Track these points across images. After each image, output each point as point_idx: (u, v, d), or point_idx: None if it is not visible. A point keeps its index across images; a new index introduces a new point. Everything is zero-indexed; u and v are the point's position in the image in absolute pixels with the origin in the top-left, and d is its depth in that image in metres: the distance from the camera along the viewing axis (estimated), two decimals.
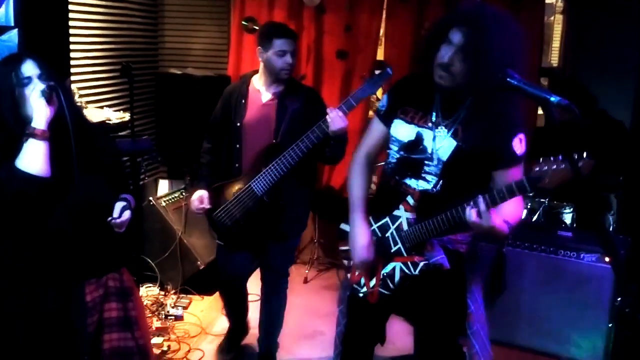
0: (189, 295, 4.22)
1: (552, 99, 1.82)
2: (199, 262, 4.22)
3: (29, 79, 2.04)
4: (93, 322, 2.22)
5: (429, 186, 2.17)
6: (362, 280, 2.33)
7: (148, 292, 4.17)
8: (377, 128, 2.35)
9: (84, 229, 2.15)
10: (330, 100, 4.79)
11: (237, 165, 3.08)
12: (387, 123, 2.29)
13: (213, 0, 5.11)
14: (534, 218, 3.81)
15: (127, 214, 2.20)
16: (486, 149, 2.08)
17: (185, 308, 4.08)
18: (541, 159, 1.85)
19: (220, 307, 3.92)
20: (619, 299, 2.77)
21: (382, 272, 2.26)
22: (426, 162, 2.16)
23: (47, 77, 2.07)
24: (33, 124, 2.01)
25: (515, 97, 2.00)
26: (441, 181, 2.16)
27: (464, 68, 2.00)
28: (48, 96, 2.02)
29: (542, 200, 3.84)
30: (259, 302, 3.42)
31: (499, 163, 2.12)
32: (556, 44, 5.44)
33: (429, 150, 2.15)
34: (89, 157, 2.17)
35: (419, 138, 2.18)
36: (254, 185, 2.97)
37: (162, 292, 4.21)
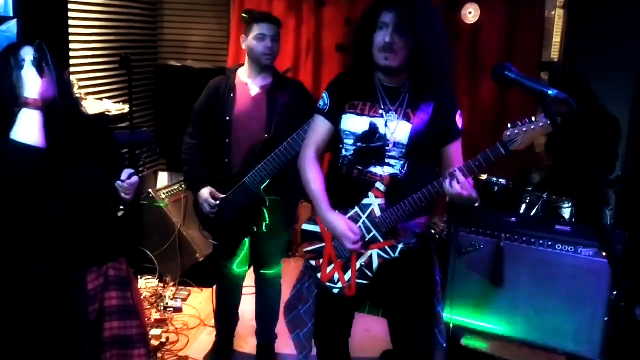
0: (187, 288, 4.23)
1: (550, 92, 1.82)
2: (197, 255, 4.23)
3: (25, 61, 2.07)
4: (94, 310, 2.23)
5: (395, 170, 2.26)
6: (336, 276, 2.34)
7: (147, 284, 4.18)
8: (322, 126, 2.38)
9: (84, 217, 2.16)
10: None
11: (226, 160, 3.05)
12: (334, 120, 2.34)
13: None
14: (533, 212, 3.82)
15: (135, 179, 2.22)
16: (436, 126, 2.25)
17: (184, 300, 4.09)
18: (509, 124, 2.02)
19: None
20: (614, 292, 2.78)
21: (358, 263, 2.29)
22: (387, 148, 2.25)
23: (44, 60, 2.09)
24: (25, 94, 2.03)
25: (452, 76, 2.31)
26: (406, 164, 2.26)
27: (404, 43, 2.15)
28: (37, 64, 2.04)
29: (541, 195, 3.85)
30: (254, 294, 3.43)
31: (448, 138, 2.29)
32: (557, 38, 5.42)
33: (386, 136, 2.25)
34: (88, 146, 2.19)
35: (373, 127, 2.26)
36: (248, 182, 2.95)
37: (161, 284, 4.22)
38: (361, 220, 2.27)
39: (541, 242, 2.99)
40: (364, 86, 2.31)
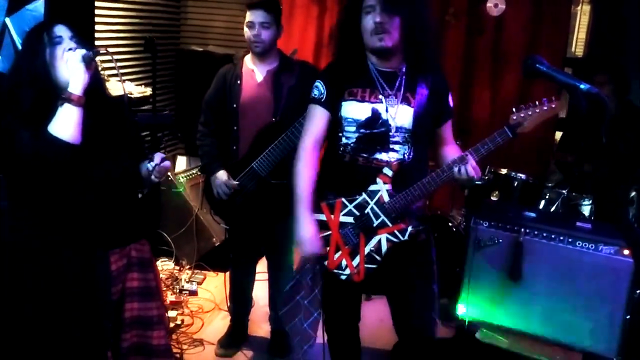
0: (203, 271, 4.26)
1: (582, 86, 1.82)
2: (214, 239, 4.25)
3: (60, 37, 2.06)
4: (117, 290, 2.25)
5: (400, 155, 2.29)
6: (344, 263, 2.35)
7: (163, 267, 4.21)
8: (319, 115, 2.37)
9: (108, 199, 2.16)
10: None
11: (234, 147, 3.06)
12: (332, 108, 2.34)
13: None
14: (552, 209, 3.79)
15: (167, 163, 2.23)
16: (434, 108, 2.31)
17: (199, 283, 4.12)
18: (514, 108, 2.10)
19: None
20: (638, 291, 2.75)
21: (366, 248, 2.31)
22: (390, 133, 2.27)
23: (78, 39, 2.09)
24: (70, 89, 2.00)
25: (440, 54, 2.40)
26: (411, 149, 2.30)
27: (395, 22, 2.17)
28: (89, 62, 2.04)
29: (561, 191, 3.81)
30: (267, 280, 3.46)
31: (443, 118, 2.37)
32: (581, 34, 5.36)
33: (388, 122, 2.26)
34: (112, 128, 2.19)
35: (375, 113, 2.27)
36: (256, 166, 2.96)
37: (177, 267, 4.25)
38: (369, 207, 2.29)
39: (561, 238, 2.96)
40: (359, 73, 2.32)
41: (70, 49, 2.05)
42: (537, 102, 2.08)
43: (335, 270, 2.37)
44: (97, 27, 3.88)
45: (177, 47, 5.13)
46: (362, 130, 2.29)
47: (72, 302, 2.10)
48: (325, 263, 2.39)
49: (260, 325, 3.65)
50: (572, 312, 2.92)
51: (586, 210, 3.78)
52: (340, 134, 2.34)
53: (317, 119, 2.38)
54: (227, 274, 3.58)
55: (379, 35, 2.18)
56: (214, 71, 4.48)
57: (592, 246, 2.91)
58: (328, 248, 2.37)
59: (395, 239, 2.28)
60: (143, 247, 2.35)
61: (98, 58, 2.15)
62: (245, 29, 2.97)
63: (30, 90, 2.00)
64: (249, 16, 2.94)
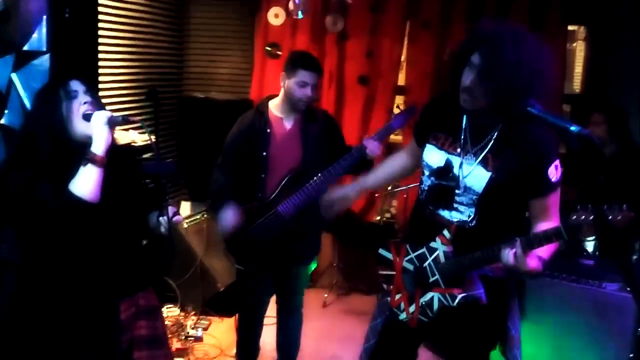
0: (208, 317, 4.25)
1: (572, 128, 1.83)
2: (219, 284, 4.25)
3: (76, 92, 2.10)
4: (127, 339, 2.26)
5: (464, 218, 2.15)
6: (402, 305, 2.32)
7: (169, 313, 4.20)
8: (412, 143, 2.43)
9: (118, 249, 2.18)
10: (352, 124, 4.85)
11: (259, 195, 3.06)
12: (419, 144, 2.32)
13: (237, 26, 5.21)
14: None
15: (179, 217, 2.27)
16: (521, 179, 2.05)
17: (205, 329, 4.11)
18: (579, 207, 1.81)
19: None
20: None
21: (421, 300, 2.25)
22: (456, 190, 2.14)
23: (92, 93, 2.15)
24: (94, 150, 2.03)
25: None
26: (477, 214, 2.13)
27: (485, 90, 1.96)
28: (113, 125, 2.08)
29: None
30: (275, 324, 3.45)
31: (535, 192, 2.09)
32: (578, 69, 5.43)
33: (458, 178, 2.13)
34: (123, 179, 2.23)
35: (448, 165, 2.16)
36: (281, 210, 2.99)
37: (182, 313, 4.24)
38: (427, 262, 2.23)
39: (564, 275, 2.96)
40: (452, 118, 2.18)
41: (86, 103, 2.09)
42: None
43: (395, 310, 2.35)
44: (101, 78, 3.97)
45: (179, 94, 5.22)
46: (432, 178, 2.22)
47: (84, 352, 2.10)
48: (388, 299, 2.38)
49: None
50: (578, 350, 2.91)
51: (590, 246, 3.77)
52: (422, 177, 2.30)
53: (411, 144, 2.46)
54: (234, 318, 3.56)
55: (464, 96, 2.03)
56: (216, 117, 4.59)
57: (595, 283, 2.91)
58: (391, 287, 2.36)
59: (445, 302, 2.17)
60: (150, 295, 2.36)
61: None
62: (295, 87, 2.99)
63: (49, 143, 2.03)
64: (304, 76, 2.97)
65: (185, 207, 5.18)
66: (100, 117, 2.06)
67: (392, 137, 5.17)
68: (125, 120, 2.16)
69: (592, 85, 4.74)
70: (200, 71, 5.30)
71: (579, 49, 5.07)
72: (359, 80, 4.90)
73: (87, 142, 2.07)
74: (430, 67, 4.76)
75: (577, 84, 5.41)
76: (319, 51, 4.88)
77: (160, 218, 2.23)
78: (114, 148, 2.25)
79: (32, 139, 2.05)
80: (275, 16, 4.85)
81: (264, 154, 3.04)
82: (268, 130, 3.06)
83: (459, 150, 2.15)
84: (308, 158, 3.05)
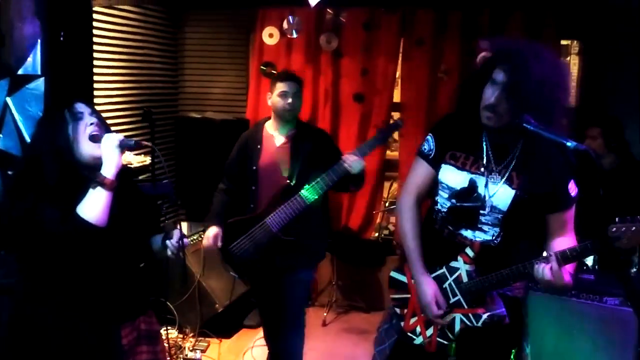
0: (207, 338, 4.21)
1: (569, 144, 1.84)
2: (217, 305, 4.22)
3: (82, 113, 2.09)
4: None
5: (488, 237, 2.12)
6: (418, 329, 2.27)
7: (167, 335, 4.15)
8: (424, 170, 2.26)
9: (121, 273, 2.16)
10: (348, 141, 4.85)
11: (252, 205, 3.24)
12: (436, 167, 2.22)
13: (232, 46, 5.23)
14: None
15: (186, 241, 2.22)
16: (544, 195, 2.05)
17: (203, 351, 4.07)
18: (617, 219, 1.81)
19: (237, 352, 3.90)
20: None
21: None
22: (481, 211, 2.11)
23: (97, 114, 2.14)
24: (104, 173, 2.01)
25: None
26: (502, 232, 2.10)
27: (510, 107, 1.96)
28: (124, 149, 2.05)
29: None
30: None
31: (557, 207, 2.09)
32: (572, 83, 5.45)
33: (485, 198, 2.10)
34: (127, 203, 2.19)
35: (472, 185, 2.12)
36: (269, 222, 3.12)
37: (181, 335, 4.20)
38: (447, 282, 2.19)
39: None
40: (470, 136, 2.15)
41: (92, 124, 2.08)
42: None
43: (409, 334, 2.29)
44: (96, 100, 3.97)
45: (175, 114, 5.22)
46: (453, 200, 2.16)
47: None
48: (402, 324, 2.32)
49: None
50: None
51: (589, 260, 3.75)
52: (436, 198, 2.23)
53: (421, 174, 2.27)
54: (232, 339, 3.54)
55: (487, 113, 2.01)
56: (213, 137, 4.59)
57: (596, 298, 2.89)
58: (405, 310, 2.31)
59: (468, 323, 2.14)
60: (151, 319, 2.32)
61: None
62: (277, 99, 3.21)
63: (55, 166, 2.01)
64: (283, 87, 3.21)
65: (183, 228, 5.17)
66: (112, 140, 2.04)
67: (389, 152, 5.23)
68: (137, 145, 2.14)
69: (586, 98, 4.76)
70: (196, 91, 5.31)
71: (573, 63, 5.08)
72: (355, 98, 4.92)
73: (93, 164, 2.05)
74: (425, 83, 4.79)
75: (571, 97, 5.43)
76: (313, 70, 4.91)
77: (167, 241, 2.21)
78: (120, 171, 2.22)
79: (37, 163, 2.02)
80: (269, 36, 4.87)
81: (254, 167, 3.25)
82: (259, 146, 3.28)
83: (482, 169, 2.12)
84: (296, 173, 3.18)
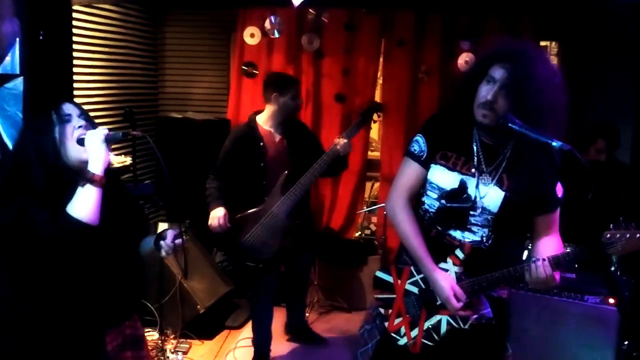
0: (188, 340, 4.17)
1: (554, 143, 1.86)
2: (198, 307, 4.18)
3: (70, 115, 2.02)
4: None
5: (477, 238, 2.12)
6: (403, 330, 2.27)
7: (148, 337, 4.11)
8: (415, 171, 2.23)
9: (108, 277, 2.11)
10: (329, 141, 4.77)
11: (266, 198, 3.54)
12: (427, 167, 2.21)
13: (213, 46, 5.21)
14: None
15: (179, 241, 2.19)
16: (533, 197, 2.06)
17: (185, 353, 4.03)
18: (611, 225, 1.83)
19: (217, 353, 3.87)
20: (626, 342, 2.75)
21: (426, 323, 2.20)
22: (471, 212, 2.10)
23: (86, 116, 2.07)
24: (91, 169, 1.94)
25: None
26: (492, 234, 2.10)
27: (507, 104, 1.97)
28: (110, 143, 2.00)
29: None
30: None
31: (544, 209, 2.11)
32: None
33: (475, 199, 2.10)
34: (116, 204, 2.14)
35: (462, 186, 2.11)
36: (276, 211, 3.48)
37: (162, 337, 4.16)
38: None
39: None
40: (461, 137, 2.15)
41: (80, 127, 2.01)
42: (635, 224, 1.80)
43: (393, 335, 2.27)
44: (76, 100, 3.91)
45: (156, 114, 5.18)
46: (442, 201, 2.14)
47: None
48: (386, 324, 2.30)
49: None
50: None
51: None
52: (423, 198, 2.22)
53: (411, 175, 2.23)
54: (214, 340, 3.52)
55: (484, 110, 2.02)
56: (194, 137, 4.56)
57: (577, 296, 2.93)
58: (390, 311, 2.29)
59: (455, 324, 2.13)
60: (136, 324, 2.28)
61: None
62: (290, 101, 3.56)
63: (42, 169, 1.94)
64: (295, 90, 3.60)
65: (163, 228, 5.12)
66: (97, 135, 1.98)
67: (370, 153, 5.24)
68: (125, 136, 2.08)
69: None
70: (177, 91, 5.28)
71: None
72: (336, 98, 4.93)
73: (81, 167, 1.98)
74: (406, 83, 4.81)
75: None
76: (295, 70, 4.90)
77: (162, 242, 2.17)
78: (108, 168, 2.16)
79: (23, 166, 1.95)
80: (251, 36, 4.85)
81: (262, 164, 3.52)
82: (262, 144, 3.54)
83: (473, 170, 2.11)
84: (292, 163, 3.53)
